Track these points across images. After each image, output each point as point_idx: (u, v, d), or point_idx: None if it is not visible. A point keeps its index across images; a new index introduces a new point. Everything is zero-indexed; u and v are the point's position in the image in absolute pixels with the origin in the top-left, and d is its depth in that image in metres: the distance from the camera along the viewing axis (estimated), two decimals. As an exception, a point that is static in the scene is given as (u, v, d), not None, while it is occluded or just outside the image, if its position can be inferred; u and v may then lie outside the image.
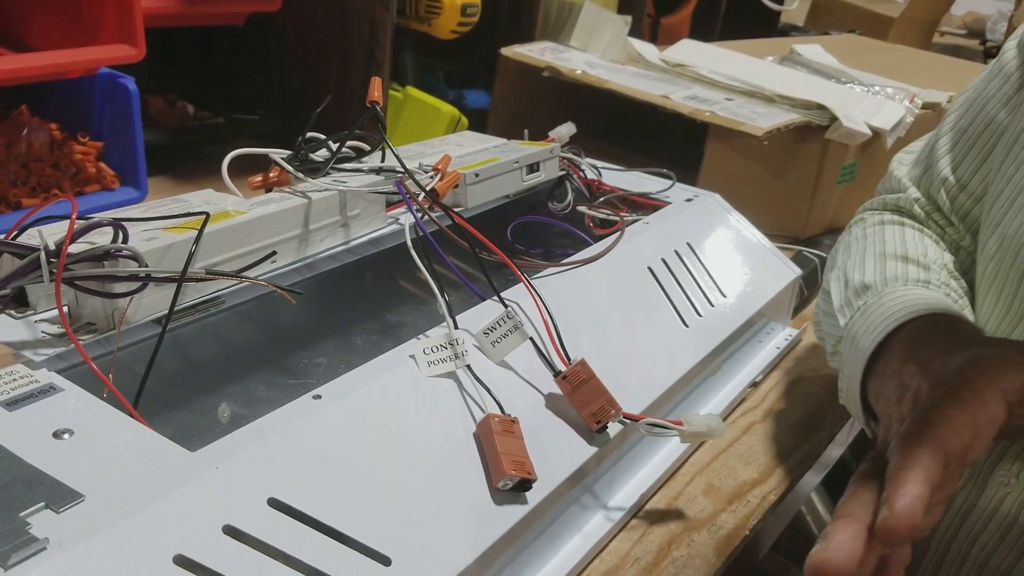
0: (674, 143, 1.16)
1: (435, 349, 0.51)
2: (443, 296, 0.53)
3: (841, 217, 1.08)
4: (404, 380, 0.49)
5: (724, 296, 0.72)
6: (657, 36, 1.63)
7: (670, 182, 0.82)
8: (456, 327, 0.53)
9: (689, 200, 0.81)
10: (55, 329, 0.48)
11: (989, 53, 2.70)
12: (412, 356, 0.51)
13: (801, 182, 1.02)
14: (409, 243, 0.56)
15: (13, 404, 0.42)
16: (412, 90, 1.09)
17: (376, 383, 0.48)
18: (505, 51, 1.18)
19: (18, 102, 0.91)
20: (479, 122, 1.21)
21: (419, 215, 0.59)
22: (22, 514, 0.35)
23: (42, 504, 0.36)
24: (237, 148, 0.62)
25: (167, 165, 1.03)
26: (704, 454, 0.64)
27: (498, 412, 0.49)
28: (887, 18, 2.31)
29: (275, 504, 0.40)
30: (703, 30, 1.73)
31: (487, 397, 0.50)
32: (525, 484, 0.46)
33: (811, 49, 1.39)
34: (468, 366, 0.51)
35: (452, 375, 0.51)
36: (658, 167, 0.86)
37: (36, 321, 0.48)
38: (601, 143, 1.25)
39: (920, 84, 1.25)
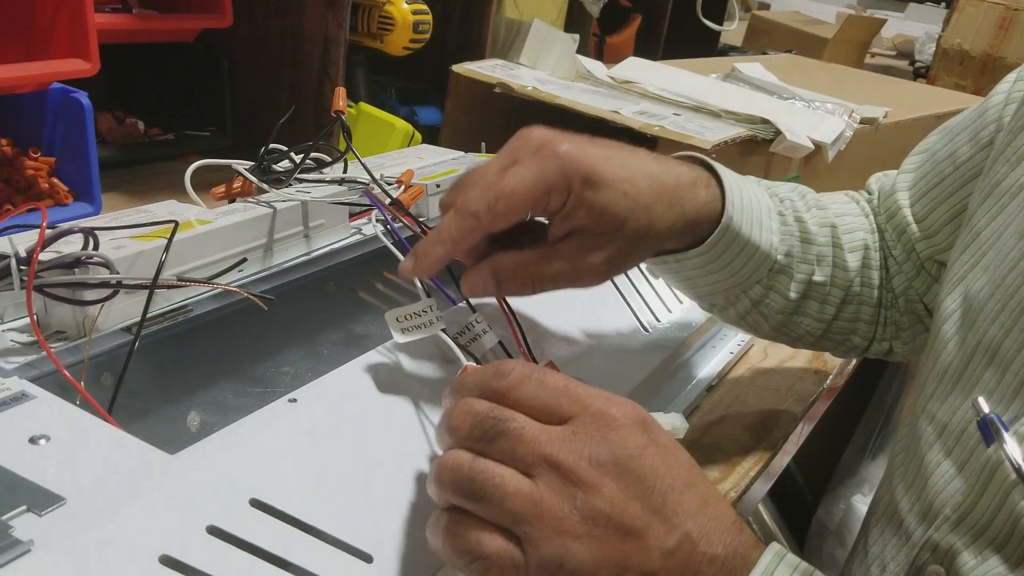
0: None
1: (408, 317, 0.52)
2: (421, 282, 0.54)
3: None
4: (379, 382, 0.50)
5: (681, 303, 0.74)
6: (603, 54, 1.67)
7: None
8: (428, 296, 0.53)
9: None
10: (24, 337, 0.47)
11: (918, 73, 2.80)
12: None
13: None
14: (384, 239, 0.56)
15: (-14, 412, 0.42)
16: (366, 106, 1.09)
17: (351, 385, 0.49)
18: (456, 68, 1.19)
19: (-35, 118, 0.90)
20: (431, 138, 1.22)
21: (390, 219, 0.60)
22: (4, 517, 0.35)
23: (23, 508, 0.36)
24: (188, 164, 0.63)
25: (119, 182, 1.02)
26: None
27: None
28: (821, 39, 2.39)
29: (257, 504, 0.40)
30: (646, 49, 1.76)
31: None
32: None
33: (752, 67, 1.44)
34: (443, 329, 0.51)
35: (429, 377, 0.51)
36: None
37: (4, 330, 0.48)
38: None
39: (856, 100, 1.30)
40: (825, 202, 0.65)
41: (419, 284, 0.53)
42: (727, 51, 2.08)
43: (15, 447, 0.40)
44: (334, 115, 0.63)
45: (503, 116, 1.22)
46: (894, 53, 3.44)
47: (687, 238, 0.55)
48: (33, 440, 0.40)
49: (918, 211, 0.63)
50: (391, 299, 0.72)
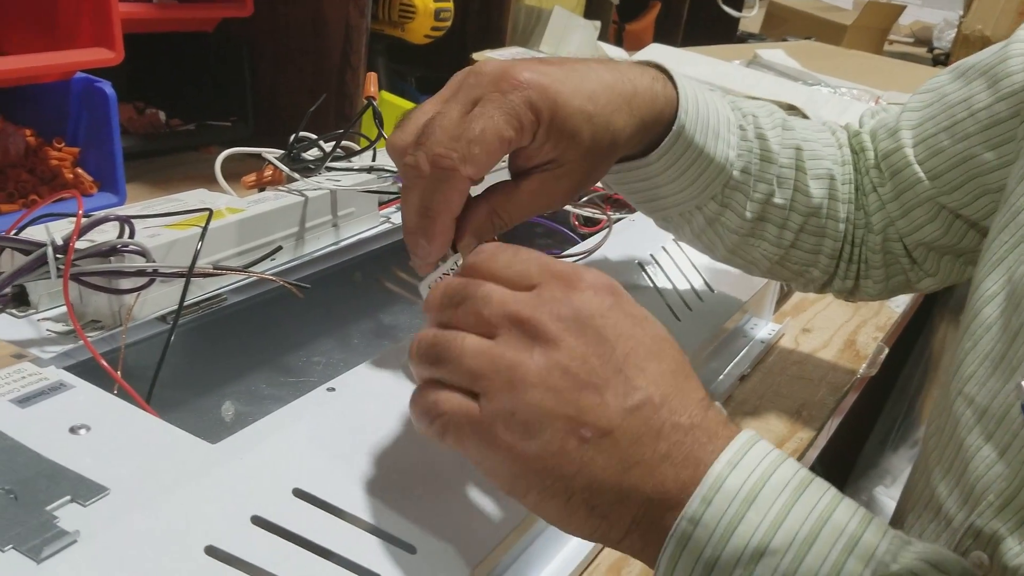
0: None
1: (440, 279, 0.50)
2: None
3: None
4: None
5: (712, 291, 0.73)
6: (623, 41, 1.65)
7: (653, 180, 0.83)
8: (455, 251, 0.52)
9: (672, 198, 0.82)
10: (60, 327, 0.47)
11: (937, 60, 2.77)
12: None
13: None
14: None
15: (25, 401, 0.42)
16: (386, 95, 1.09)
17: (388, 373, 0.48)
18: (477, 56, 1.18)
19: (-11, 108, 0.89)
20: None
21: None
22: (48, 508, 0.35)
23: (67, 498, 0.36)
24: (210, 154, 0.62)
25: (140, 172, 1.02)
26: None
27: None
28: (840, 26, 2.37)
29: (300, 494, 0.40)
30: (665, 36, 1.75)
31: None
32: None
33: (773, 54, 1.42)
34: None
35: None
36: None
37: (39, 320, 0.48)
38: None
39: (880, 87, 1.29)
40: (794, 124, 0.63)
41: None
42: (746, 38, 2.06)
43: (56, 437, 0.39)
44: (366, 100, 0.62)
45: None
46: (912, 40, 3.41)
47: (640, 145, 0.54)
48: (73, 430, 0.40)
49: (921, 152, 0.61)
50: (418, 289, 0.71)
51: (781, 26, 2.37)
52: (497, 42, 1.26)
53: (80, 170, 0.87)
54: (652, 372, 0.37)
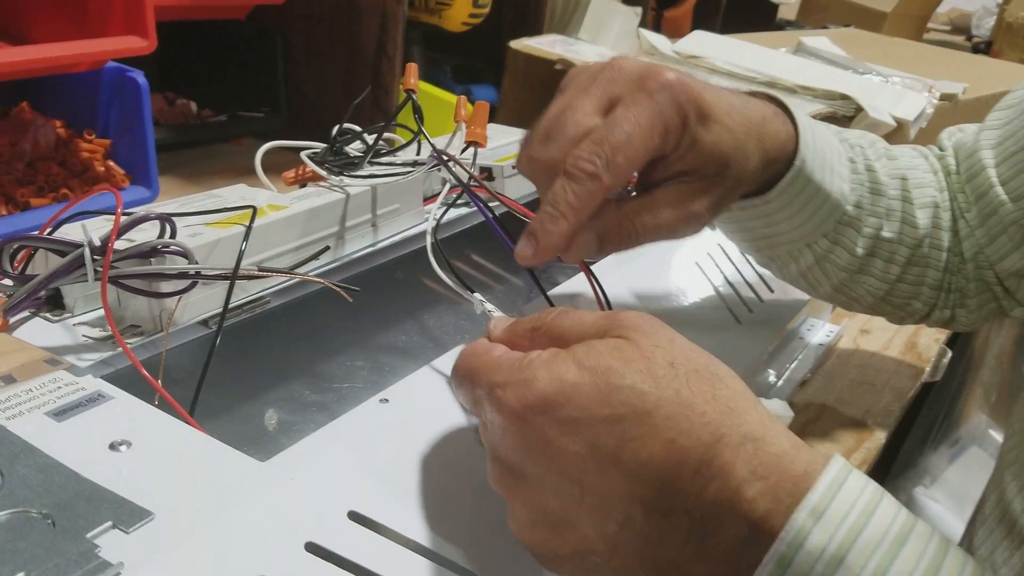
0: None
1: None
2: (537, 282, 0.50)
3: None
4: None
5: (771, 290, 0.69)
6: (661, 28, 1.61)
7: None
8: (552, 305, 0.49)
9: (725, 192, 0.79)
10: (97, 332, 0.44)
11: (977, 48, 2.71)
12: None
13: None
14: (428, 248, 0.52)
15: (61, 414, 0.39)
16: (422, 84, 1.06)
17: (443, 382, 0.45)
18: (514, 44, 1.15)
19: (18, 98, 0.87)
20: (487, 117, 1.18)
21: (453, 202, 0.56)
22: (89, 535, 0.32)
23: (109, 524, 0.33)
24: (242, 146, 0.59)
25: (171, 164, 0.99)
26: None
27: None
28: (879, 13, 2.31)
29: (356, 518, 0.37)
30: (704, 23, 1.71)
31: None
32: None
33: (818, 41, 1.38)
34: None
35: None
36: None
37: (75, 324, 0.45)
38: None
39: (928, 75, 1.24)
40: (895, 152, 0.60)
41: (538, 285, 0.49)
42: (783, 26, 2.01)
43: (95, 454, 0.36)
44: (406, 93, 0.59)
45: (563, 94, 1.18)
46: (949, 28, 3.34)
47: (759, 181, 0.50)
48: (113, 446, 0.37)
49: (1004, 172, 0.57)
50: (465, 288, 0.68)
51: (820, 13, 2.32)
52: (534, 29, 1.23)
53: (111, 163, 0.84)
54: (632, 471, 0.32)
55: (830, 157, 0.53)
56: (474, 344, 0.38)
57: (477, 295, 0.48)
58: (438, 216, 0.55)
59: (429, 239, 0.51)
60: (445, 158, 0.59)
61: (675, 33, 1.35)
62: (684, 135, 0.43)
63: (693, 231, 0.48)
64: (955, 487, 1.20)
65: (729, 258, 0.69)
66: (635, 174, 0.46)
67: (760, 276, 0.70)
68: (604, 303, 0.52)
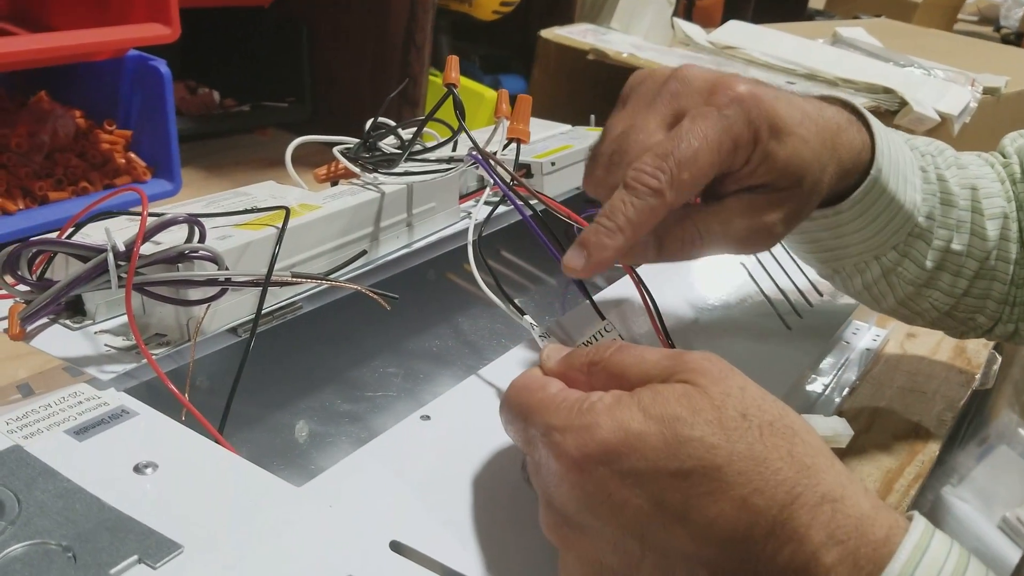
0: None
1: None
2: (590, 298, 0.47)
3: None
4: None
5: (820, 295, 0.66)
6: (692, 18, 1.57)
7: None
8: (603, 317, 0.46)
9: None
10: (120, 341, 0.42)
11: (1006, 39, 2.65)
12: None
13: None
14: (469, 248, 0.49)
15: (82, 432, 0.36)
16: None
17: (487, 399, 0.42)
18: (545, 33, 1.12)
19: (37, 87, 0.85)
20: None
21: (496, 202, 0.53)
22: (113, 571, 0.30)
23: (135, 558, 0.30)
24: (265, 137, 0.56)
25: (193, 156, 0.97)
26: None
27: None
28: (910, 3, 2.26)
29: (398, 548, 0.34)
30: (735, 13, 1.67)
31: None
32: None
33: (855, 32, 1.34)
34: None
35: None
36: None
37: (96, 332, 0.42)
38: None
39: (968, 68, 1.20)
40: (964, 161, 0.57)
41: (592, 305, 0.46)
42: (813, 16, 1.97)
43: (119, 478, 0.34)
44: (446, 88, 0.56)
45: (594, 85, 1.15)
46: (977, 19, 3.27)
47: (833, 191, 0.48)
48: (138, 469, 0.34)
49: None
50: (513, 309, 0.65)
51: (849, 3, 2.27)
52: (565, 18, 1.19)
53: (132, 155, 0.82)
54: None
55: (903, 166, 0.50)
56: (527, 377, 0.35)
57: (528, 318, 0.45)
58: (480, 220, 0.52)
59: (471, 250, 0.48)
60: (485, 156, 0.57)
61: (707, 23, 1.32)
62: (755, 151, 0.41)
63: (764, 246, 0.45)
64: (983, 486, 1.16)
65: (776, 260, 0.66)
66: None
67: (809, 280, 0.67)
68: (653, 311, 0.49)
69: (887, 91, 0.97)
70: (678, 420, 0.30)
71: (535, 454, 0.33)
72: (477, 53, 1.17)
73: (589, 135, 0.72)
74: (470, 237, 0.49)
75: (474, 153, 0.54)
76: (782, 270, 0.66)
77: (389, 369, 0.57)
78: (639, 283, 0.50)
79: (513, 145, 0.60)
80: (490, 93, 1.01)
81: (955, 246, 0.54)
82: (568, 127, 0.77)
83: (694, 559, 0.29)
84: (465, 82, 1.02)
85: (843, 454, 0.55)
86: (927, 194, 0.52)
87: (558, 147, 0.68)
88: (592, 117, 0.76)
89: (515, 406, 0.34)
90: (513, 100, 1.03)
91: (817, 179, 0.44)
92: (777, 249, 0.67)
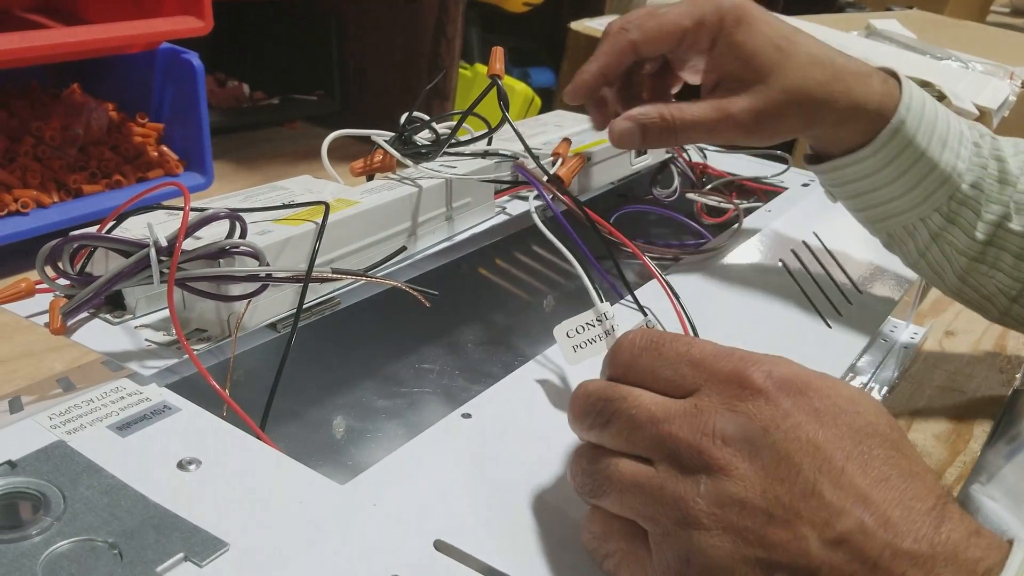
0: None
1: (581, 329, 0.44)
2: (585, 272, 0.46)
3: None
4: (558, 392, 0.43)
5: (860, 292, 0.65)
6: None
7: (784, 166, 0.76)
8: (602, 301, 0.45)
9: (806, 185, 0.75)
10: (161, 337, 0.41)
11: (1040, 31, 2.61)
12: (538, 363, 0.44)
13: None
14: (539, 224, 0.49)
15: (125, 428, 0.36)
16: (481, 67, 1.02)
17: (529, 397, 0.42)
18: (575, 25, 1.11)
19: (70, 80, 0.85)
20: (544, 101, 1.15)
21: (549, 198, 0.53)
22: (159, 568, 0.29)
23: (181, 556, 0.30)
24: (294, 130, 0.56)
25: (223, 149, 0.97)
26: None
27: None
28: (942, -6, 2.23)
29: (443, 548, 0.34)
30: (767, 5, 1.65)
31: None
32: None
33: (888, 24, 1.32)
34: None
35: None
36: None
37: (137, 327, 0.42)
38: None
39: (1007, 61, 1.18)
40: None
41: (592, 290, 0.45)
42: (844, 8, 1.94)
43: (163, 474, 0.34)
44: (491, 79, 0.55)
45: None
46: (1009, 10, 3.22)
47: (852, 129, 0.53)
48: (182, 465, 0.34)
49: None
50: (536, 289, 0.65)
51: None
52: (595, 10, 1.18)
53: (165, 148, 0.82)
54: (857, 485, 0.29)
55: (942, 130, 0.53)
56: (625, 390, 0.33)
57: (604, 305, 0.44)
58: (540, 204, 0.53)
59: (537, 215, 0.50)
60: (508, 155, 0.57)
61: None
62: (720, 35, 0.50)
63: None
64: (1012, 485, 1.15)
65: (817, 258, 0.65)
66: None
67: (847, 275, 0.66)
68: (685, 318, 0.49)
69: (925, 84, 0.95)
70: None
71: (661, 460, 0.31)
72: (506, 45, 1.16)
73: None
74: (535, 218, 0.50)
75: (516, 165, 0.55)
76: (822, 268, 0.65)
77: (424, 364, 0.57)
78: (666, 287, 0.49)
79: (547, 141, 0.60)
80: (521, 86, 1.00)
81: (1014, 226, 0.55)
82: (602, 121, 0.76)
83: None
84: (495, 75, 1.02)
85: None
86: (974, 165, 0.55)
87: (592, 142, 0.67)
88: (625, 111, 0.75)
89: (604, 402, 0.33)
90: (542, 93, 1.02)
91: (795, 86, 0.50)
92: (814, 243, 0.66)
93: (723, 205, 0.71)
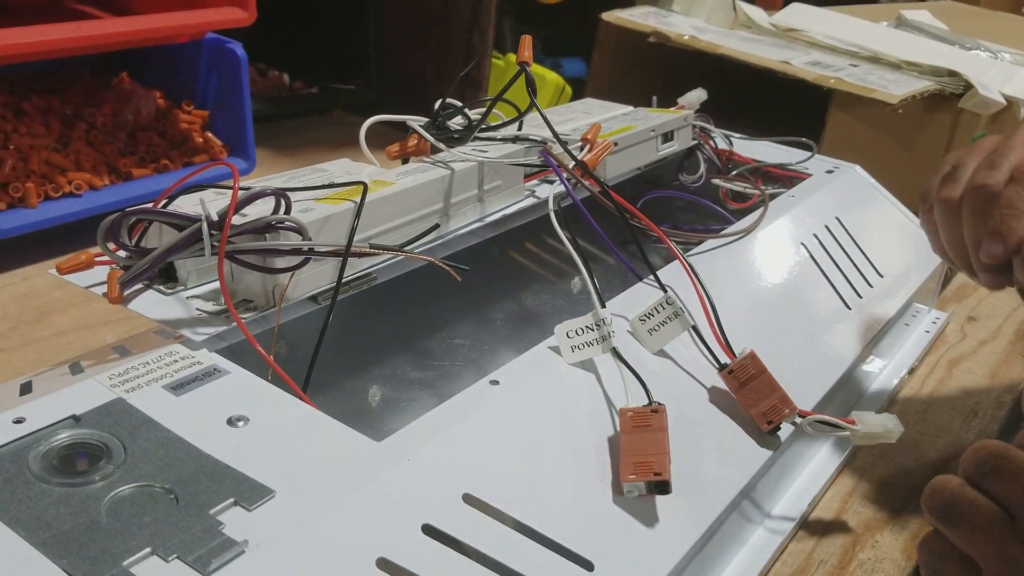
0: (784, 115, 1.11)
1: (580, 332, 0.46)
2: (588, 272, 0.48)
3: (968, 192, 1.02)
4: (584, 363, 0.45)
5: (881, 276, 0.67)
6: (755, 0, 1.56)
7: (809, 153, 0.77)
8: (603, 306, 0.47)
9: (830, 172, 0.76)
10: (211, 306, 0.44)
11: (1080, 22, 2.57)
12: (554, 346, 0.46)
13: (930, 154, 0.96)
14: (552, 216, 0.51)
15: (179, 388, 0.39)
16: (514, 57, 1.04)
17: (555, 366, 0.44)
18: (606, 16, 1.13)
19: (119, 69, 0.88)
20: (576, 90, 1.17)
21: (571, 185, 0.55)
22: (212, 511, 0.32)
23: (231, 500, 0.33)
24: (333, 119, 0.59)
25: (264, 137, 1.00)
26: (867, 449, 0.59)
27: (642, 402, 0.43)
28: (979, -15, 2.21)
29: (471, 501, 0.36)
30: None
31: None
32: (660, 487, 0.39)
33: (919, 14, 1.32)
34: (614, 349, 0.45)
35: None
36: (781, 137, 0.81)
37: (188, 297, 0.45)
38: (705, 115, 1.20)
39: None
40: None
41: (593, 293, 0.47)
42: (879, -2, 1.93)
43: (214, 430, 0.37)
44: (519, 66, 0.57)
45: (655, 67, 1.15)
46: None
47: None
48: (231, 422, 0.37)
49: None
50: (564, 271, 0.67)
51: None
52: (626, 1, 1.20)
53: (210, 134, 0.85)
54: None
55: None
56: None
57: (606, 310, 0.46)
58: (557, 192, 0.53)
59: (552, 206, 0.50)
60: (538, 140, 0.59)
61: (772, 5, 1.31)
62: None
63: None
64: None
65: (836, 240, 0.67)
66: None
67: (868, 260, 0.67)
68: (705, 296, 0.51)
69: (952, 74, 0.96)
70: None
71: None
72: (539, 36, 1.18)
73: (650, 116, 0.73)
74: (551, 206, 0.51)
75: (541, 149, 0.57)
76: (844, 252, 0.66)
77: (456, 340, 0.59)
78: (688, 268, 0.51)
79: (575, 128, 0.62)
80: (552, 75, 1.02)
81: None
82: (630, 108, 0.78)
83: None
84: (527, 64, 1.04)
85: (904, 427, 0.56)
86: None
87: (620, 128, 0.69)
88: (654, 99, 0.78)
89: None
90: (574, 82, 1.04)
91: None
92: (836, 227, 0.68)
93: (748, 191, 0.73)
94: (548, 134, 0.60)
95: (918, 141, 0.96)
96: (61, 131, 0.77)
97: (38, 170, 0.73)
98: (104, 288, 0.44)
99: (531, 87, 0.57)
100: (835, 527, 0.52)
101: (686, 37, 1.06)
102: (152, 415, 0.37)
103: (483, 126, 0.62)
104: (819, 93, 0.97)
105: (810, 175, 0.75)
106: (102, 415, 0.37)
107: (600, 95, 1.15)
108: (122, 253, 0.44)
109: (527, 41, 0.58)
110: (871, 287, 0.65)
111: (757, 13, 1.16)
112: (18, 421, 0.36)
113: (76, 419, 0.36)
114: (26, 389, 0.42)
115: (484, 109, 0.62)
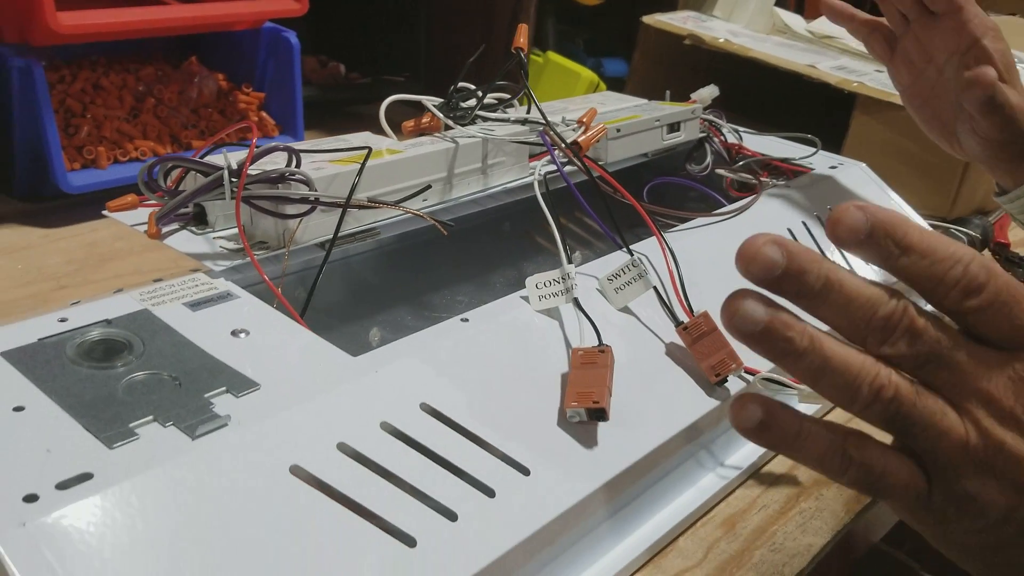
0: (814, 119, 1.14)
1: (547, 284, 0.53)
2: (559, 232, 0.54)
3: (992, 198, 1.04)
4: (550, 310, 0.51)
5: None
6: (803, 8, 1.60)
7: (814, 149, 0.82)
8: (569, 262, 0.54)
9: (833, 168, 0.81)
10: (232, 245, 0.52)
11: None
12: (525, 296, 0.52)
13: (952, 159, 0.99)
14: (537, 190, 0.57)
15: (196, 305, 0.47)
16: (553, 55, 1.11)
17: (523, 311, 0.51)
18: (647, 19, 1.18)
19: (189, 53, 0.97)
20: (616, 90, 1.22)
21: (562, 164, 0.61)
22: (206, 395, 0.39)
23: (223, 388, 0.40)
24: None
25: (318, 120, 1.08)
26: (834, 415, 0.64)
27: (594, 344, 0.49)
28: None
29: (426, 409, 0.43)
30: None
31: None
32: (598, 414, 0.45)
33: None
34: (576, 299, 0.51)
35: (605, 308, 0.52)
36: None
37: (215, 237, 0.53)
38: (738, 117, 1.24)
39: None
40: None
41: (562, 251, 0.53)
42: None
43: (219, 338, 0.44)
44: (514, 52, 0.64)
45: (692, 69, 1.20)
46: None
47: None
48: (235, 333, 0.44)
49: None
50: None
51: (982, 2, 2.21)
52: (668, 5, 1.25)
53: (264, 114, 0.94)
54: None
55: None
56: None
57: (572, 267, 0.53)
58: (544, 173, 0.59)
59: (538, 189, 0.56)
60: (556, 126, 0.65)
61: (815, 13, 1.34)
62: None
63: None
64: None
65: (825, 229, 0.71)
66: None
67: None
68: (672, 262, 0.56)
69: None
70: None
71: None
72: (581, 36, 1.24)
73: (659, 108, 0.79)
74: (536, 176, 0.57)
75: (540, 130, 0.63)
76: (805, 227, 0.70)
77: (458, 297, 0.66)
78: (661, 240, 0.57)
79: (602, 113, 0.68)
80: (587, 73, 1.08)
81: None
82: (644, 101, 0.84)
83: None
84: (565, 61, 1.10)
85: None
86: None
87: (627, 116, 0.75)
88: (667, 93, 0.83)
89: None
90: (613, 82, 1.10)
91: None
92: (815, 226, 0.72)
93: (750, 181, 0.78)
94: (555, 119, 0.67)
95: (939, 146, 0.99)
96: (133, 104, 0.87)
97: (110, 137, 0.83)
98: (145, 227, 0.52)
99: (523, 70, 0.63)
100: (785, 479, 0.57)
101: (720, 40, 1.10)
102: (170, 323, 0.45)
103: (492, 108, 0.68)
104: (849, 99, 1.01)
105: (812, 169, 0.80)
106: (129, 320, 0.45)
107: (639, 94, 1.20)
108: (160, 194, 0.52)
109: (523, 30, 0.64)
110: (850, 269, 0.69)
111: (794, 20, 1.21)
112: (62, 320, 0.44)
113: (108, 322, 0.44)
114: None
115: (498, 93, 0.69)
